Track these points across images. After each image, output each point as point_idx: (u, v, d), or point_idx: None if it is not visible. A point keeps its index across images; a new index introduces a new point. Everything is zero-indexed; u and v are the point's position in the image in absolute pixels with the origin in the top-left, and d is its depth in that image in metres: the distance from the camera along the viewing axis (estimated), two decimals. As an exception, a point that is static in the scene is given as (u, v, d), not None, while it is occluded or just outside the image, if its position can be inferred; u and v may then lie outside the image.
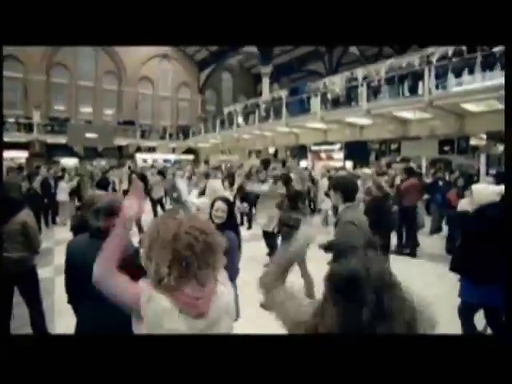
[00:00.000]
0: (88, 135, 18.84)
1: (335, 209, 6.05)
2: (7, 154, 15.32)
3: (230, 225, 2.54)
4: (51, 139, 19.80)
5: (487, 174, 4.99)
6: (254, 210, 7.66)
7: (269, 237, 5.07)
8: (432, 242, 6.51)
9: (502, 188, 2.95)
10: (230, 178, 7.92)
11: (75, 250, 1.78)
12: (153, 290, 1.08)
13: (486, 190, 2.90)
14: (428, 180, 7.00)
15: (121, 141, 21.76)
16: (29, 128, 19.57)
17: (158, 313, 1.05)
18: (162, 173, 9.11)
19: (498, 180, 4.44)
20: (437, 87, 8.40)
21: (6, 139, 14.36)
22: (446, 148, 11.00)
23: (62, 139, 18.85)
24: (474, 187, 3.02)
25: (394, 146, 12.61)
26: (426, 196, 5.92)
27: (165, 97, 26.28)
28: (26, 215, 2.63)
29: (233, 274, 2.42)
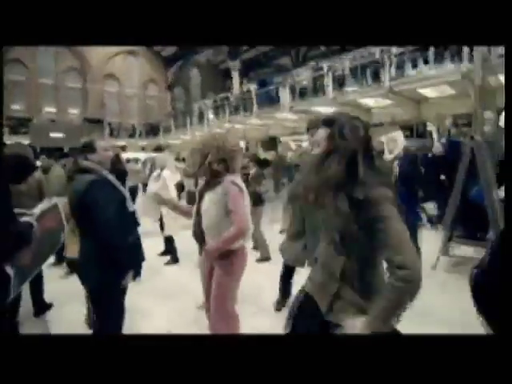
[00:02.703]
0: (53, 135, 18.11)
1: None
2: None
3: None
4: (10, 140, 18.75)
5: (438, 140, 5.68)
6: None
7: None
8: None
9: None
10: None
11: None
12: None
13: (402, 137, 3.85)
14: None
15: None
16: (-15, 129, 18.43)
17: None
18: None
19: (447, 146, 5.19)
20: (396, 76, 9.07)
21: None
22: (407, 133, 11.80)
23: (23, 140, 17.96)
24: (396, 133, 3.83)
25: (359, 134, 13.23)
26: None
27: (132, 94, 25.75)
28: (39, 174, 3.00)
29: None
